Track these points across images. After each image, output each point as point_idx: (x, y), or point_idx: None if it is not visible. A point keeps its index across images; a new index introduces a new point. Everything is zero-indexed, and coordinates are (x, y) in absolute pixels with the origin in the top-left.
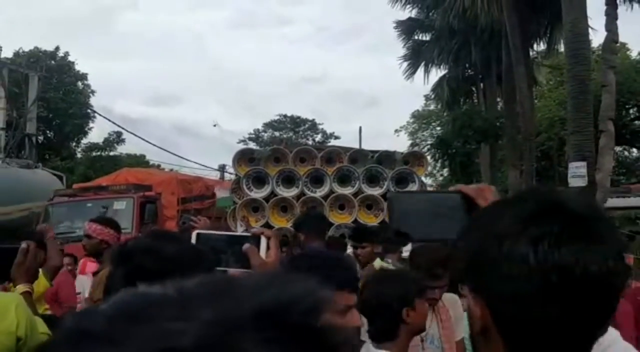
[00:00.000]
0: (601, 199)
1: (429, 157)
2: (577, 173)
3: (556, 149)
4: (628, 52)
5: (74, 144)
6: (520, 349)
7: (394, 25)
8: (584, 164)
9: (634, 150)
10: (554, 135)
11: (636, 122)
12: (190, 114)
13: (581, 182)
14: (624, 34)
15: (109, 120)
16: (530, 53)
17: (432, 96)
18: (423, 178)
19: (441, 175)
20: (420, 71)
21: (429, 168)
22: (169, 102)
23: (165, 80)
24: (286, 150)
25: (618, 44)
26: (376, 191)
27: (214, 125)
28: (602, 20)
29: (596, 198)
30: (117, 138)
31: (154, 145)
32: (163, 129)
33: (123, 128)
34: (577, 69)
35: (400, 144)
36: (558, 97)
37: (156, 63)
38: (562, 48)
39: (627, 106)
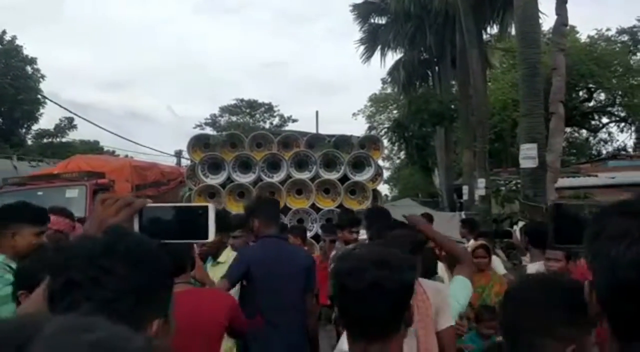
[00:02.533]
0: (551, 179)
1: (386, 141)
2: (528, 155)
3: (509, 131)
4: (577, 35)
5: (24, 130)
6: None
7: (350, 8)
8: (534, 145)
9: (584, 131)
10: (507, 117)
11: (586, 104)
12: (146, 99)
13: (532, 164)
14: (574, 18)
15: (60, 106)
16: (484, 36)
17: (389, 80)
18: (380, 161)
19: (398, 158)
20: (377, 55)
21: (386, 151)
22: (122, 88)
23: (118, 65)
24: (242, 136)
25: (568, 28)
26: (333, 176)
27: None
28: (552, 4)
29: (546, 178)
30: (68, 124)
31: (107, 131)
32: (117, 114)
33: (75, 114)
34: (528, 53)
35: (359, 128)
36: (511, 79)
37: (108, 48)
38: (514, 31)
39: (577, 88)
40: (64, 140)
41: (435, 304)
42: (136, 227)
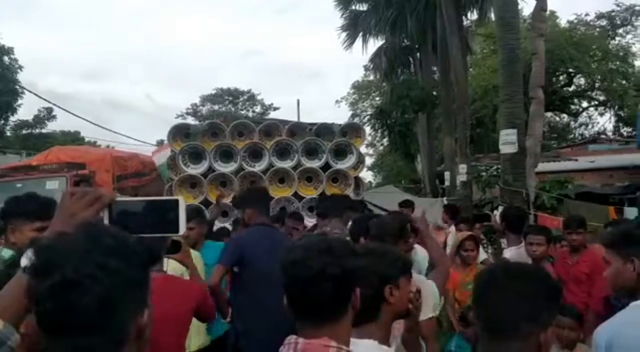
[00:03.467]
0: (531, 164)
1: (368, 128)
2: (507, 140)
3: (490, 117)
4: (557, 20)
5: (2, 122)
6: None
7: None
8: (514, 131)
9: (564, 115)
10: (488, 103)
11: (566, 88)
12: (126, 89)
13: (512, 149)
14: (553, 3)
15: (39, 96)
16: (465, 22)
17: (371, 66)
18: (363, 148)
19: (381, 145)
20: (359, 42)
21: (369, 138)
22: (101, 77)
23: (97, 54)
24: (223, 125)
25: (547, 13)
26: (315, 164)
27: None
28: None
29: (526, 163)
30: (47, 115)
31: (88, 121)
32: (97, 104)
33: (54, 104)
34: (507, 38)
35: (342, 115)
36: (492, 65)
37: (85, 36)
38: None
39: (557, 73)
40: (44, 131)
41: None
42: (106, 221)
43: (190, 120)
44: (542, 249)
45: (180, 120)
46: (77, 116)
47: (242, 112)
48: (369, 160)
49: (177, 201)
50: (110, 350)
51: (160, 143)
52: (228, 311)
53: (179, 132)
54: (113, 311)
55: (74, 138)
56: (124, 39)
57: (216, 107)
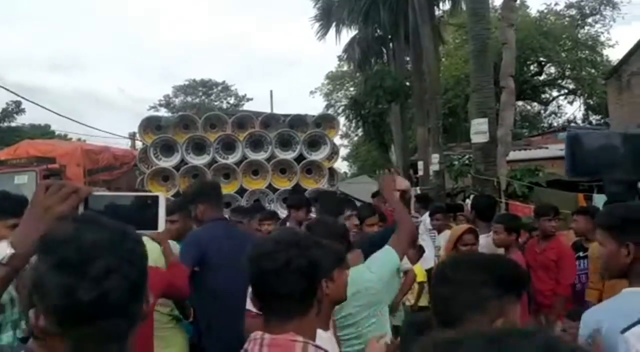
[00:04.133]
0: (502, 153)
1: (343, 118)
2: (479, 129)
3: (463, 106)
4: (528, 10)
5: None
6: None
7: None
8: (485, 120)
9: (535, 104)
10: (460, 93)
11: (537, 77)
12: (97, 81)
13: (483, 138)
14: None
15: (6, 89)
16: (437, 12)
17: (344, 57)
18: (338, 139)
19: (356, 135)
20: (332, 32)
21: (344, 129)
22: (71, 69)
23: (66, 46)
24: (195, 117)
25: (517, 2)
26: (289, 155)
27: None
28: None
29: (497, 152)
30: (16, 108)
31: (57, 114)
32: (68, 97)
33: (22, 97)
34: (478, 28)
35: (316, 106)
36: (464, 55)
37: (53, 28)
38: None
39: (527, 62)
40: (12, 125)
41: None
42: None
43: (163, 112)
44: (502, 237)
45: (152, 113)
46: (47, 109)
47: (216, 103)
48: (343, 151)
49: (157, 197)
50: (129, 331)
51: (132, 136)
52: (191, 312)
53: (150, 124)
54: (138, 296)
55: (44, 132)
56: (95, 30)
57: (189, 98)
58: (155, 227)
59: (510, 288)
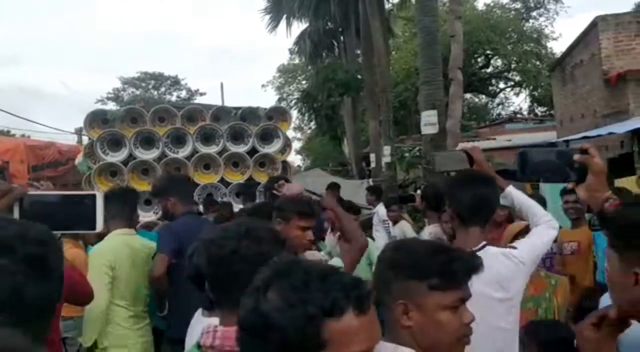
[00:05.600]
0: (452, 144)
1: (295, 112)
2: (428, 121)
3: (413, 99)
4: (475, 3)
5: None
6: None
7: None
8: (434, 112)
9: (483, 96)
10: (410, 86)
11: (484, 70)
12: (40, 75)
13: (433, 130)
14: None
15: None
16: (386, 6)
17: (296, 50)
18: (291, 132)
19: (309, 128)
20: (283, 25)
21: (297, 122)
22: (11, 63)
23: (3, 38)
24: (143, 110)
25: None
26: (241, 148)
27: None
28: None
29: (447, 143)
30: None
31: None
32: (8, 91)
33: None
34: (426, 21)
35: (269, 99)
36: (414, 48)
37: None
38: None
39: (475, 55)
40: None
41: None
42: (16, 215)
43: (112, 106)
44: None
45: (100, 106)
46: None
47: (167, 97)
48: (297, 144)
49: (94, 196)
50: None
51: (79, 131)
52: (166, 305)
53: (96, 118)
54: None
55: None
56: (34, 22)
57: (138, 92)
58: (94, 228)
59: (406, 273)
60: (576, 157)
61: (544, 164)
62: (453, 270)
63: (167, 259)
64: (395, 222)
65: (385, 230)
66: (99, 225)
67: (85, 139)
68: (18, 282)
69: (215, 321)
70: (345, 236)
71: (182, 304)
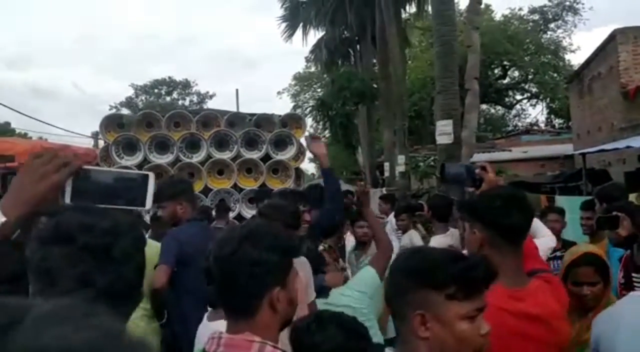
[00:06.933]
0: (466, 154)
1: (310, 120)
2: (443, 131)
3: (428, 109)
4: (492, 14)
5: None
6: None
7: None
8: (450, 122)
9: (499, 107)
10: (426, 95)
11: (501, 81)
12: (55, 77)
13: (447, 140)
14: None
15: None
16: (403, 15)
17: (312, 58)
18: (304, 140)
19: (323, 136)
20: (299, 32)
21: (311, 130)
22: (29, 67)
23: (21, 42)
24: (158, 115)
25: (482, 6)
26: (255, 155)
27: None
28: None
29: (461, 153)
30: None
31: (17, 111)
32: (26, 95)
33: None
34: (443, 31)
35: (284, 107)
36: (430, 58)
37: (6, 23)
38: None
39: (492, 66)
40: None
41: (304, 277)
42: (69, 188)
43: (125, 112)
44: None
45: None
46: (7, 107)
47: (179, 102)
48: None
49: (147, 176)
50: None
51: (95, 135)
52: (165, 313)
53: (112, 122)
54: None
55: (4, 130)
56: (50, 27)
57: (151, 98)
58: (143, 205)
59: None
60: (477, 171)
61: (457, 175)
62: (471, 278)
63: (168, 270)
64: (404, 231)
65: (398, 239)
66: (149, 203)
67: (101, 144)
68: (82, 270)
69: (219, 325)
70: (377, 244)
71: (183, 312)
